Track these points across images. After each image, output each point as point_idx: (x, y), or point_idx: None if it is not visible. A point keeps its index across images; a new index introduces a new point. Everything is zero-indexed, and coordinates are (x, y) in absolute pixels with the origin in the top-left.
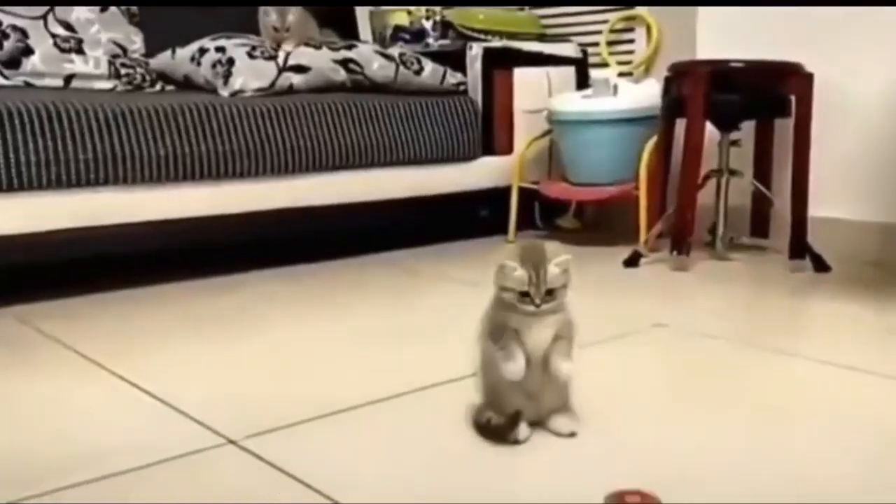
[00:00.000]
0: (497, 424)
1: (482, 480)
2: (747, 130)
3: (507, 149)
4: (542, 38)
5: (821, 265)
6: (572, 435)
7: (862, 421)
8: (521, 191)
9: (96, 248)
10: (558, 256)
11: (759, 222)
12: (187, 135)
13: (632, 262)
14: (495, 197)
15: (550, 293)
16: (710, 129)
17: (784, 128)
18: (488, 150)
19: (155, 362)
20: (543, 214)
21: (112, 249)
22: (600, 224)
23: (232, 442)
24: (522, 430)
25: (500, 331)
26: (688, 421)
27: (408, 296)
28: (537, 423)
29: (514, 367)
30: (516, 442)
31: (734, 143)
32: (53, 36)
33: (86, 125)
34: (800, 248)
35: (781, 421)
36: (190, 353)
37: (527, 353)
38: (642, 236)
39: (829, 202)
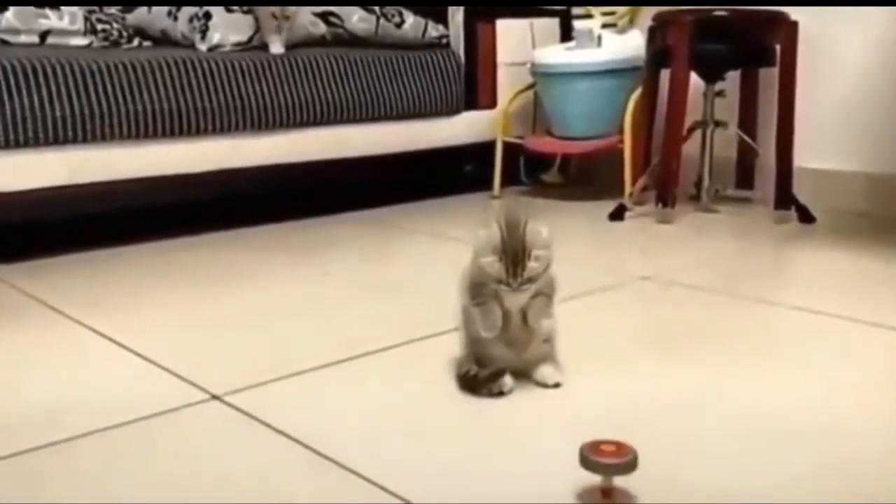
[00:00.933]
0: (479, 377)
1: (463, 431)
2: (732, 81)
3: (491, 103)
4: None
5: (806, 216)
6: (557, 386)
7: (845, 366)
8: (506, 145)
9: (74, 207)
10: (538, 247)
11: (745, 174)
12: (165, 91)
13: (616, 215)
14: (479, 152)
15: (529, 279)
16: (694, 79)
17: (769, 78)
18: (471, 104)
19: (137, 319)
20: (528, 169)
21: (90, 208)
22: (585, 178)
23: (216, 397)
24: (506, 381)
25: (478, 289)
26: (672, 371)
27: (392, 252)
28: (521, 374)
29: (490, 325)
30: (500, 393)
31: (719, 93)
32: None
33: (62, 82)
34: (785, 198)
35: (764, 368)
36: (171, 310)
37: (504, 310)
38: (627, 189)
39: (814, 153)
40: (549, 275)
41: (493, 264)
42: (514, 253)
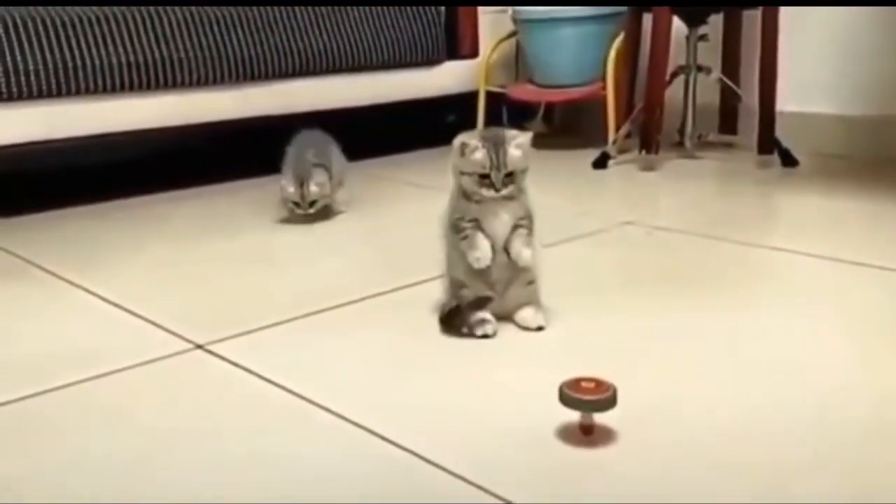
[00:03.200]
0: (463, 307)
1: (447, 374)
2: (715, 25)
3: (473, 52)
4: None
5: (789, 160)
6: (539, 329)
7: (828, 303)
8: (489, 95)
9: (51, 163)
10: (518, 138)
11: (728, 119)
12: (140, 43)
13: (600, 163)
14: (462, 102)
15: (510, 176)
16: (677, 24)
17: (752, 22)
18: (453, 53)
19: (117, 273)
20: (512, 119)
21: (67, 163)
22: (569, 127)
23: (199, 346)
24: (489, 325)
25: (459, 223)
26: (657, 310)
27: (375, 202)
28: (504, 318)
29: (480, 254)
30: (485, 336)
31: (702, 37)
32: None
33: (34, 35)
34: (768, 143)
35: (748, 306)
36: (153, 264)
37: (489, 240)
38: (610, 136)
39: (797, 97)
40: (527, 206)
41: (475, 149)
42: (495, 141)
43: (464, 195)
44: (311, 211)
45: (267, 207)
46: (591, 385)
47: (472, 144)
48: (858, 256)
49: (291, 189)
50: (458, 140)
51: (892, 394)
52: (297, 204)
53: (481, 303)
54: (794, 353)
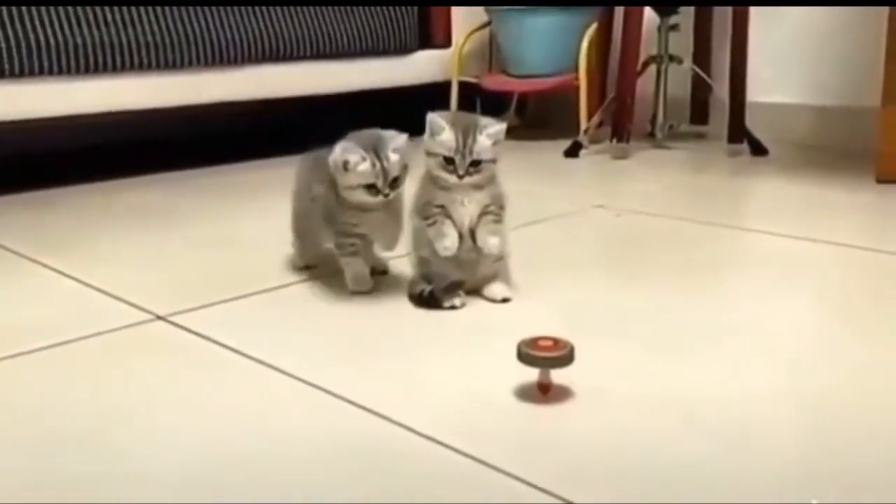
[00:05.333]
0: (436, 292)
1: (412, 343)
2: (687, 16)
3: (446, 41)
4: None
5: (758, 149)
6: (505, 301)
7: (795, 278)
8: (462, 85)
9: (19, 144)
10: (491, 127)
11: (699, 109)
12: (106, 23)
13: (572, 152)
14: (435, 92)
15: (476, 165)
16: (649, 14)
17: (723, 12)
18: (426, 42)
19: (81, 253)
20: (485, 110)
21: (36, 145)
22: (543, 119)
23: (160, 318)
24: (457, 298)
25: (427, 208)
26: (625, 285)
27: None
28: (472, 292)
29: (448, 243)
30: (452, 307)
31: (673, 27)
32: None
33: None
34: (738, 132)
35: (716, 282)
36: (116, 245)
37: (456, 228)
38: (582, 126)
39: (767, 87)
40: (498, 190)
41: (443, 129)
42: (466, 127)
43: (431, 180)
44: (390, 195)
45: (228, 196)
46: (549, 343)
47: (440, 123)
48: (824, 235)
49: (366, 165)
50: (429, 117)
51: (857, 354)
52: (371, 187)
53: (454, 287)
54: (754, 320)
